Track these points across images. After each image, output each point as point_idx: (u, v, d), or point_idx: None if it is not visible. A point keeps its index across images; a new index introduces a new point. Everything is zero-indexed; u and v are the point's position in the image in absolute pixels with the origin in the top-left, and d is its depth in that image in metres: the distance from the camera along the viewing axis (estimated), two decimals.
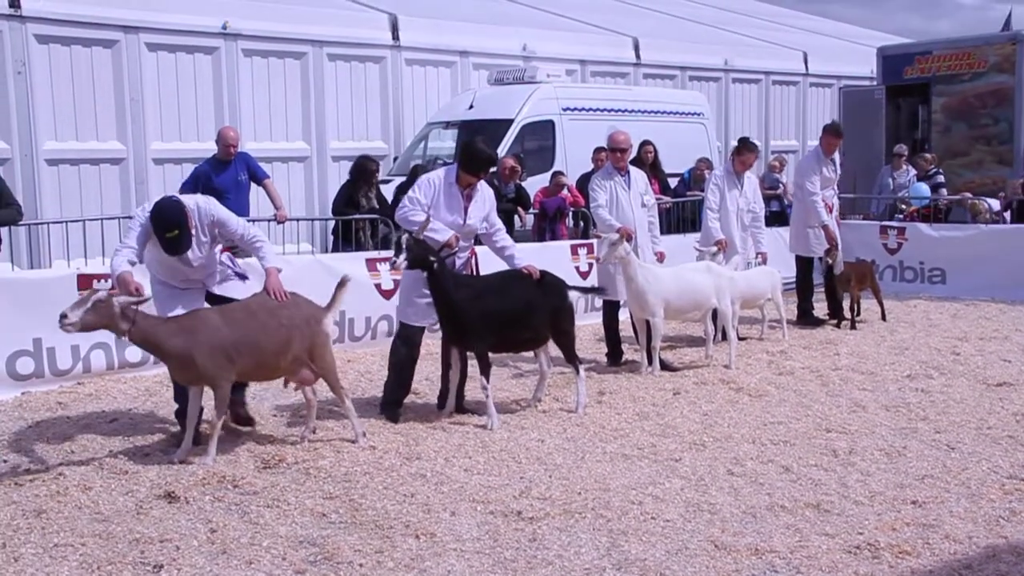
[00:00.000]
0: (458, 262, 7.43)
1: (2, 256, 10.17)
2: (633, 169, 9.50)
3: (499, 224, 7.72)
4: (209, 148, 14.08)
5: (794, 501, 5.70)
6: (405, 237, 7.00)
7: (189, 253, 6.38)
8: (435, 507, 5.53)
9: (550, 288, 7.62)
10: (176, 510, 5.45)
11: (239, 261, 7.20)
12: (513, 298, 7.37)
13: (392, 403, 7.50)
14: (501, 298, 7.32)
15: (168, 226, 6.15)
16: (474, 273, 7.65)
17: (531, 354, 8.22)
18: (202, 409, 6.46)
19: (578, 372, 7.73)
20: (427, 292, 7.23)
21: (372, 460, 6.33)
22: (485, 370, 7.22)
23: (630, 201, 9.19)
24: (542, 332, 7.64)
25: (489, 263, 8.05)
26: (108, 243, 10.16)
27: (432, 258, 7.01)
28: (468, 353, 7.47)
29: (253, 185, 11.01)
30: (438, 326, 7.42)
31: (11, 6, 12.66)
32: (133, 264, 6.27)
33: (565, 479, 6.04)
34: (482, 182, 7.56)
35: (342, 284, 6.70)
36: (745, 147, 10.54)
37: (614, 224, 8.87)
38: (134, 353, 8.44)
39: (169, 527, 5.19)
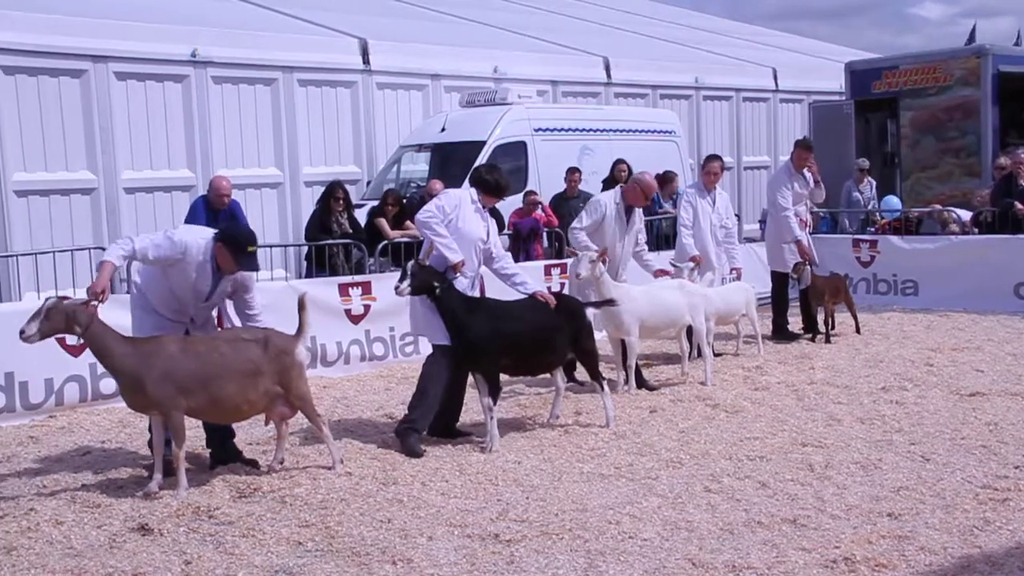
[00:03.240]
0: (464, 282, 7.42)
1: None
2: (637, 211, 9.44)
3: (504, 252, 7.85)
4: (181, 177, 14.23)
5: (771, 516, 5.70)
6: (411, 264, 7.09)
7: (220, 286, 6.51)
8: (412, 532, 5.50)
9: (568, 309, 7.67)
10: (150, 543, 5.39)
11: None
12: (531, 321, 7.42)
13: (413, 430, 7.26)
14: (519, 321, 7.37)
15: (252, 240, 6.56)
16: (482, 294, 7.68)
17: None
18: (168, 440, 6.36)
19: (602, 388, 7.79)
20: None
21: (348, 487, 6.29)
22: (494, 392, 7.26)
23: (621, 232, 9.20)
24: (562, 354, 7.69)
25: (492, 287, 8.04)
26: (79, 274, 10.09)
27: (436, 284, 7.04)
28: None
29: None
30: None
31: None
32: (125, 259, 6.32)
33: (542, 500, 6.03)
34: None
35: (302, 305, 6.64)
36: (709, 158, 10.68)
37: (590, 246, 8.89)
38: (108, 385, 8.35)
39: (143, 560, 5.13)
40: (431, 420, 7.46)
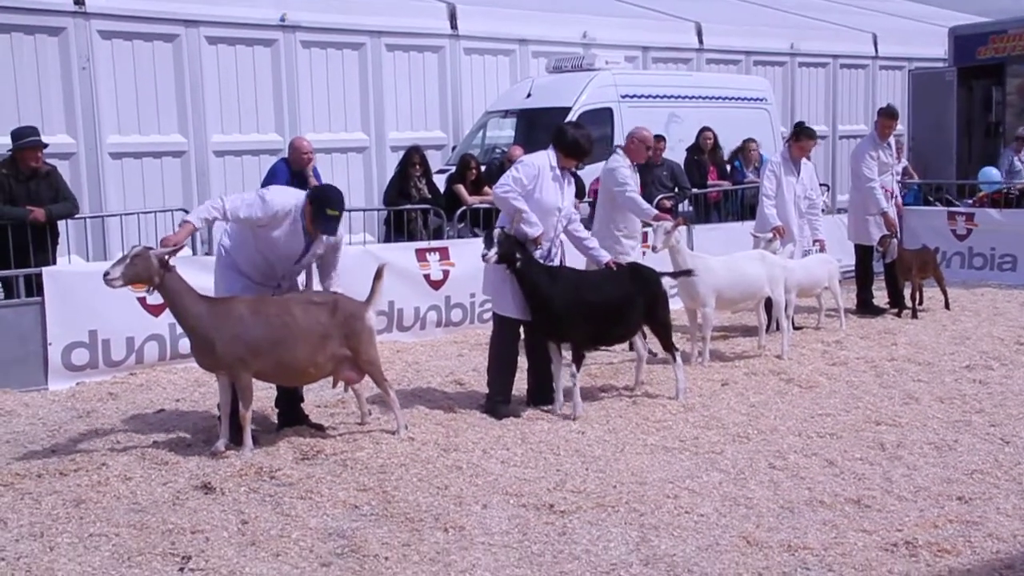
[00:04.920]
0: (544, 252, 7.37)
1: (67, 248, 10.37)
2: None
3: (576, 215, 7.70)
4: (269, 140, 14.41)
5: (834, 496, 5.57)
6: (497, 232, 7.03)
7: (312, 248, 6.53)
8: (467, 500, 5.52)
9: (644, 278, 7.61)
10: (211, 501, 5.51)
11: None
12: (610, 290, 7.37)
13: (498, 401, 7.34)
14: (598, 291, 7.33)
15: (334, 204, 6.41)
16: (563, 263, 7.60)
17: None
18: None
19: (675, 359, 7.71)
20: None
21: (410, 452, 6.32)
22: (578, 360, 7.26)
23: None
24: (637, 323, 7.64)
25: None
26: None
27: (518, 255, 7.01)
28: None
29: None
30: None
31: (76, 3, 12.88)
32: (207, 222, 6.47)
33: (602, 472, 5.98)
34: None
35: (379, 275, 6.68)
36: (803, 133, 10.34)
37: (650, 211, 8.74)
38: (186, 344, 8.45)
39: (202, 518, 5.24)
40: (512, 387, 7.46)
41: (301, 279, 6.93)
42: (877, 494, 5.61)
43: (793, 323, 9.85)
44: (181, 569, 4.65)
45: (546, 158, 7.41)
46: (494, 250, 6.97)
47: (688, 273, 8.40)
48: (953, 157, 17.14)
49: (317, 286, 6.90)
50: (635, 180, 9.00)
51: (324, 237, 6.53)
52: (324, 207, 6.37)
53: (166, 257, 6.16)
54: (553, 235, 7.47)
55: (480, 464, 6.12)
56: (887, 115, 11.00)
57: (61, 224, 9.65)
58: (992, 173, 14.67)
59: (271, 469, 5.97)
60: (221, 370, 6.34)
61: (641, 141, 9.13)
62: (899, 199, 12.06)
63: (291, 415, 6.91)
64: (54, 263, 9.16)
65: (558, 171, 7.39)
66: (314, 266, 6.88)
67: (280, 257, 6.58)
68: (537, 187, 7.27)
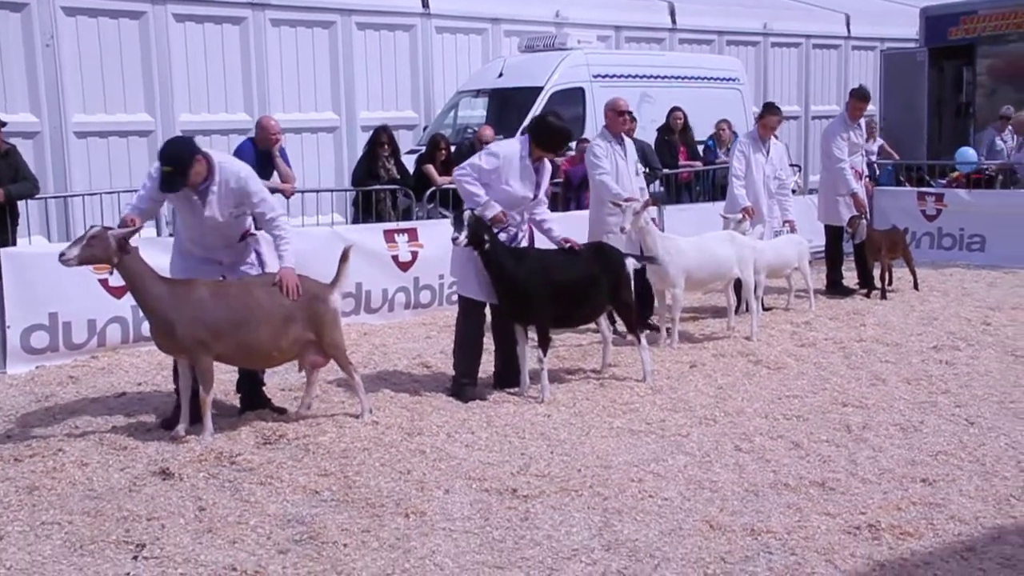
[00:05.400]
0: (509, 237, 7.29)
1: (28, 230, 10.21)
2: (626, 139, 9.24)
3: (543, 199, 7.57)
4: (238, 120, 14.23)
5: (799, 479, 5.55)
6: (467, 214, 6.91)
7: (207, 211, 6.24)
8: (429, 484, 5.45)
9: (609, 259, 7.56)
10: (169, 487, 5.42)
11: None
12: (574, 270, 7.30)
13: (464, 384, 7.27)
14: (563, 270, 7.25)
15: (166, 159, 6.10)
16: (531, 246, 7.52)
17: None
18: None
19: (639, 341, 7.65)
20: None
21: (373, 436, 6.25)
22: (544, 343, 7.20)
23: (628, 171, 8.98)
24: (602, 304, 7.58)
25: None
26: None
27: (486, 237, 6.93)
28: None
29: None
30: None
31: None
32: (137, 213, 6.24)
33: (566, 455, 5.94)
34: None
35: (344, 257, 6.60)
36: (768, 110, 10.32)
37: (621, 193, 8.66)
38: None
39: (159, 505, 5.16)
40: (476, 371, 7.39)
41: (252, 258, 6.72)
42: (842, 476, 5.59)
43: (763, 304, 9.83)
44: (135, 557, 4.56)
45: (517, 147, 7.27)
46: (464, 233, 6.87)
47: (651, 260, 8.36)
48: (924, 137, 17.16)
49: (273, 265, 6.71)
50: (614, 155, 8.89)
51: (213, 199, 6.23)
52: (161, 161, 6.12)
53: (125, 238, 6.05)
54: (520, 220, 7.39)
55: (444, 448, 6.06)
56: (859, 97, 10.96)
57: (24, 205, 9.49)
58: (969, 153, 14.68)
59: (231, 454, 5.88)
60: (181, 353, 6.23)
61: (611, 109, 9.09)
62: (868, 180, 12.05)
63: (253, 399, 6.82)
64: (14, 244, 9.01)
65: (528, 161, 7.22)
66: (266, 248, 6.73)
67: (194, 225, 6.39)
68: (503, 176, 7.14)
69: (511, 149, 7.27)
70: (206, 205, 6.27)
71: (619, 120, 9.05)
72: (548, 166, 7.52)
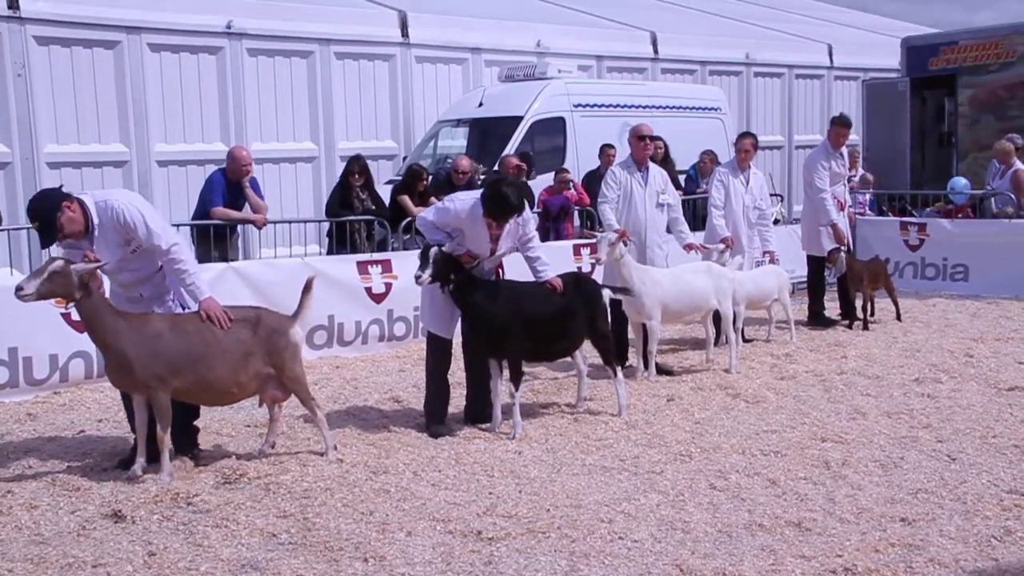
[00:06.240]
0: (481, 272, 7.13)
1: (1, 261, 10.02)
2: (652, 166, 9.13)
3: (533, 233, 7.33)
4: (214, 150, 14.05)
5: (775, 519, 5.36)
6: (433, 251, 6.77)
7: (100, 254, 5.91)
8: (392, 526, 5.25)
9: (586, 291, 7.40)
10: (120, 531, 5.20)
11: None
12: (550, 303, 7.13)
13: (434, 420, 7.11)
14: (537, 303, 7.08)
15: (30, 214, 5.84)
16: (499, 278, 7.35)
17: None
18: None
19: (615, 374, 7.48)
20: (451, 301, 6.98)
21: (337, 475, 6.05)
22: (516, 378, 7.02)
23: (644, 199, 8.85)
24: (580, 336, 7.41)
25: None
26: None
27: (452, 275, 6.79)
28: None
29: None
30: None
31: (10, 7, 12.53)
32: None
33: (535, 495, 5.74)
34: None
35: (307, 288, 6.43)
36: (742, 135, 10.27)
37: (613, 224, 8.55)
38: None
39: (107, 550, 4.93)
40: (446, 407, 7.23)
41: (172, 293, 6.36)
42: (819, 516, 5.40)
43: (743, 335, 9.68)
44: None
45: (469, 204, 6.93)
46: (428, 271, 6.73)
47: (626, 292, 8.21)
48: (907, 167, 17.09)
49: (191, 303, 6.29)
50: (630, 183, 8.84)
51: (101, 242, 5.91)
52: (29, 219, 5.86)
53: (88, 274, 5.83)
54: (487, 270, 7.23)
55: (409, 487, 5.85)
56: (840, 123, 10.87)
57: None
58: (962, 183, 14.59)
59: (188, 495, 5.67)
60: (138, 390, 6.02)
61: (633, 135, 9.04)
62: (851, 210, 11.94)
63: (182, 438, 6.39)
64: None
65: (483, 221, 6.90)
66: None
67: (108, 263, 6.06)
68: (463, 234, 6.93)
69: (464, 206, 6.94)
70: (96, 248, 5.96)
71: (640, 145, 8.94)
72: (518, 220, 7.08)
